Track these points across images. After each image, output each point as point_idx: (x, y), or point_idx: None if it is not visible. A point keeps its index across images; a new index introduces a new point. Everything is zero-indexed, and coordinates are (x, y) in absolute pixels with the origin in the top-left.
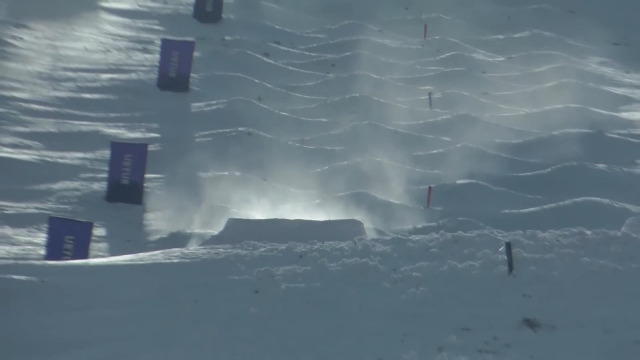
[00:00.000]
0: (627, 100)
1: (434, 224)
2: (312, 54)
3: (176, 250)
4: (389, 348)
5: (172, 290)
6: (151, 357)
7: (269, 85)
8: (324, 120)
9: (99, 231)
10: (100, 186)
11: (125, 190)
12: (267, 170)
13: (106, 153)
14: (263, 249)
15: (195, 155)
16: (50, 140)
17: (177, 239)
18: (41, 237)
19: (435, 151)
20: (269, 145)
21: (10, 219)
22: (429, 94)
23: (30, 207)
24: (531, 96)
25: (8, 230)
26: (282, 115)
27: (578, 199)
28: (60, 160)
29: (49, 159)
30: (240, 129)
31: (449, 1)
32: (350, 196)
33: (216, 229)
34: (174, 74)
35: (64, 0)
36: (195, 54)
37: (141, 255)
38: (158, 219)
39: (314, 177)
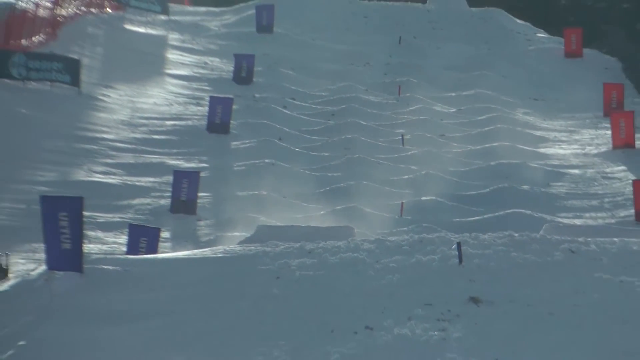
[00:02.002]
0: (544, 140)
1: (405, 228)
2: (318, 107)
3: (220, 248)
4: (373, 318)
5: (216, 276)
6: (200, 325)
7: (286, 129)
8: (326, 154)
9: (164, 234)
10: (166, 202)
11: (184, 205)
12: (285, 190)
13: (170, 178)
14: (282, 247)
15: (233, 180)
16: (130, 169)
17: (221, 240)
18: (123, 239)
19: (406, 177)
20: (287, 172)
21: (101, 225)
22: (402, 135)
23: (115, 217)
24: (475, 137)
25: (100, 234)
26: (296, 150)
27: (509, 211)
28: (137, 183)
29: (129, 182)
30: (266, 160)
31: (416, 69)
32: (345, 209)
33: (249, 232)
34: (218, 121)
35: (140, 68)
36: (234, 106)
37: (195, 251)
38: (207, 226)
39: (319, 195)
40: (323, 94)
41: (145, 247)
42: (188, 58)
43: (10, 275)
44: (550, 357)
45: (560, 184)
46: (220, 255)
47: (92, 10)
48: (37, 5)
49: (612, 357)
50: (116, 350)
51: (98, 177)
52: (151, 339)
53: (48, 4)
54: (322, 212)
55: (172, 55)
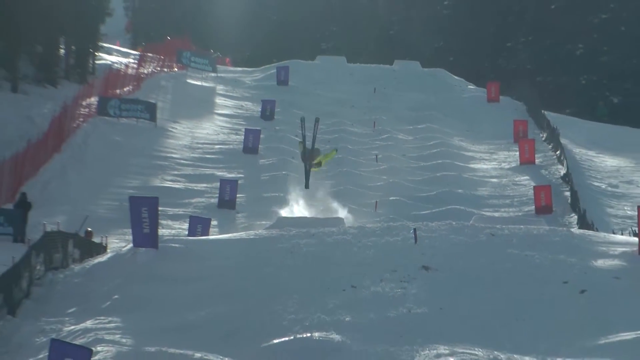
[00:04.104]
0: (472, 159)
1: (378, 219)
2: (319, 136)
3: (251, 232)
4: (357, 280)
5: (249, 252)
6: (236, 284)
7: (297, 151)
8: (324, 168)
9: (213, 223)
10: (214, 200)
11: (227, 203)
12: (295, 193)
13: (217, 184)
14: (294, 231)
15: (260, 185)
16: (190, 178)
17: (252, 227)
18: (185, 226)
19: (379, 183)
20: (297, 181)
21: (170, 216)
22: (376, 155)
23: (180, 211)
24: (426, 156)
25: (169, 222)
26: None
27: (449, 207)
28: (194, 188)
29: (189, 187)
30: (283, 172)
31: (386, 110)
32: (337, 206)
33: (271, 222)
34: (250, 145)
35: (197, 109)
36: (261, 135)
37: (234, 234)
38: (243, 217)
39: (319, 196)
40: (322, 127)
41: (201, 231)
42: (229, 102)
43: (108, 250)
44: (477, 306)
45: (484, 188)
46: (251, 237)
47: (164, 69)
48: (126, 66)
49: (517, 304)
50: (179, 301)
51: (168, 184)
52: (203, 294)
53: (134, 65)
54: (321, 208)
55: (218, 100)
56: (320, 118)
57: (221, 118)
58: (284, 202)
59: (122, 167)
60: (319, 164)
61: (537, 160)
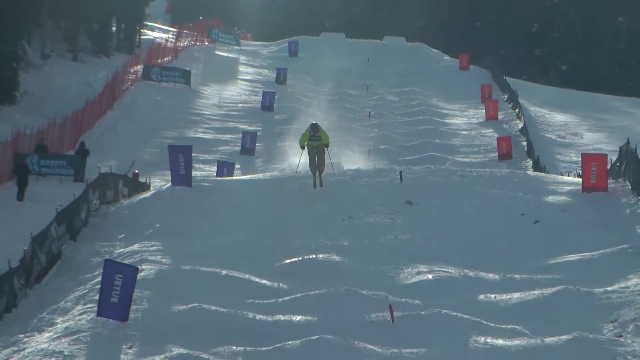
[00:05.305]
0: (447, 115)
1: (370, 164)
2: (322, 97)
3: (268, 174)
4: (353, 212)
5: (265, 189)
6: (256, 215)
7: (304, 108)
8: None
9: (237, 166)
10: (238, 148)
11: (248, 150)
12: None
13: (240, 135)
14: (302, 173)
15: (275, 136)
16: (218, 130)
17: (268, 169)
18: (214, 169)
19: (371, 135)
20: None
21: (202, 161)
22: (369, 112)
23: (209, 157)
24: (409, 113)
25: (201, 165)
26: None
27: (428, 154)
28: (221, 138)
29: (217, 137)
30: (294, 125)
31: (377, 76)
32: (337, 153)
33: (285, 165)
34: (267, 104)
35: (223, 75)
36: (276, 97)
37: (254, 175)
38: (261, 162)
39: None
40: (325, 90)
41: (226, 173)
42: (250, 70)
43: (151, 188)
44: (451, 233)
45: (457, 139)
46: (268, 177)
47: (197, 43)
48: (166, 40)
49: (483, 232)
50: (208, 229)
51: (200, 135)
52: (228, 224)
53: (172, 40)
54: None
55: (241, 68)
56: (323, 82)
57: (243, 82)
58: (294, 150)
59: (162, 121)
60: (327, 144)
61: (499, 117)
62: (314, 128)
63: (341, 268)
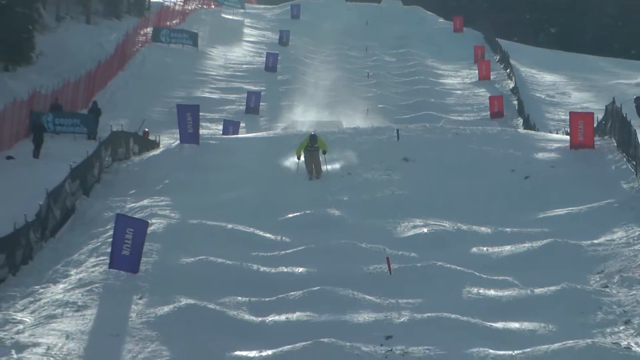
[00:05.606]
0: (442, 75)
1: (369, 123)
2: (323, 58)
3: (271, 132)
4: (352, 168)
5: (269, 146)
6: (259, 172)
7: (306, 69)
8: (327, 82)
9: (242, 125)
10: (243, 108)
11: (252, 109)
12: (306, 101)
13: (245, 95)
14: (304, 130)
15: (279, 95)
16: (224, 90)
17: (272, 127)
18: (220, 127)
19: (370, 94)
20: (307, 93)
21: (208, 120)
22: (367, 73)
23: (216, 116)
24: (406, 74)
25: (208, 124)
26: (311, 81)
27: (424, 112)
28: (227, 98)
29: (223, 97)
30: (296, 85)
31: (375, 38)
32: (337, 112)
33: (286, 124)
34: (270, 65)
35: (229, 37)
36: (279, 58)
37: (257, 133)
38: (264, 120)
39: (324, 104)
40: (325, 51)
41: (232, 131)
42: (254, 32)
43: (160, 146)
44: (445, 189)
45: (451, 98)
46: (271, 135)
47: (204, 6)
48: (174, 4)
49: (476, 187)
50: (215, 184)
51: (207, 94)
52: (234, 179)
53: (180, 3)
54: (325, 113)
55: (246, 30)
56: (324, 44)
57: (248, 44)
58: (296, 109)
59: (171, 81)
60: (325, 151)
61: (491, 77)
62: (313, 139)
63: (341, 222)
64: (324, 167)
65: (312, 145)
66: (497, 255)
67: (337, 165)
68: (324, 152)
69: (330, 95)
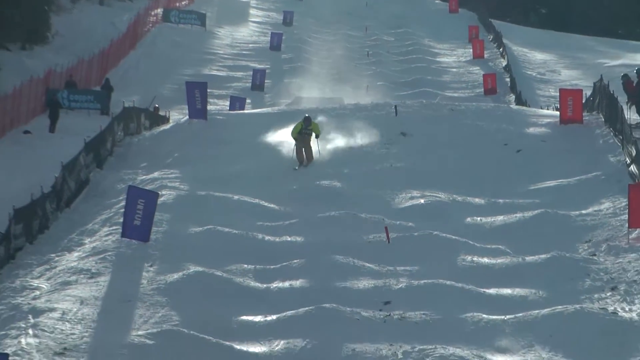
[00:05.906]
0: (439, 54)
1: (368, 98)
2: (325, 37)
3: (276, 107)
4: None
5: (273, 121)
6: (264, 146)
7: (309, 48)
8: (330, 60)
9: (248, 101)
10: (249, 84)
11: (258, 86)
12: (309, 79)
13: (250, 72)
14: (308, 107)
15: (283, 73)
16: (231, 68)
17: (276, 104)
18: (227, 103)
19: (369, 72)
20: (310, 71)
21: (216, 96)
22: (367, 52)
23: (223, 92)
24: (404, 52)
25: (215, 100)
26: (314, 59)
27: (421, 89)
28: (234, 75)
29: (230, 75)
30: (299, 64)
31: (375, 19)
32: (338, 89)
33: (291, 100)
34: (276, 44)
35: (236, 17)
36: (283, 37)
37: (263, 109)
38: (269, 97)
39: (325, 82)
40: (328, 31)
41: (238, 107)
42: (260, 12)
43: (170, 121)
44: (441, 162)
45: (447, 76)
46: (276, 111)
47: None
48: None
49: (470, 160)
50: (222, 158)
51: (214, 72)
52: (240, 153)
53: None
54: (327, 89)
55: (252, 11)
56: (326, 24)
57: (253, 24)
58: (299, 86)
59: (180, 60)
60: (317, 135)
61: (485, 55)
62: (307, 121)
63: (342, 193)
64: (315, 148)
65: (307, 128)
66: (490, 225)
67: (338, 139)
68: (317, 136)
69: (331, 73)
